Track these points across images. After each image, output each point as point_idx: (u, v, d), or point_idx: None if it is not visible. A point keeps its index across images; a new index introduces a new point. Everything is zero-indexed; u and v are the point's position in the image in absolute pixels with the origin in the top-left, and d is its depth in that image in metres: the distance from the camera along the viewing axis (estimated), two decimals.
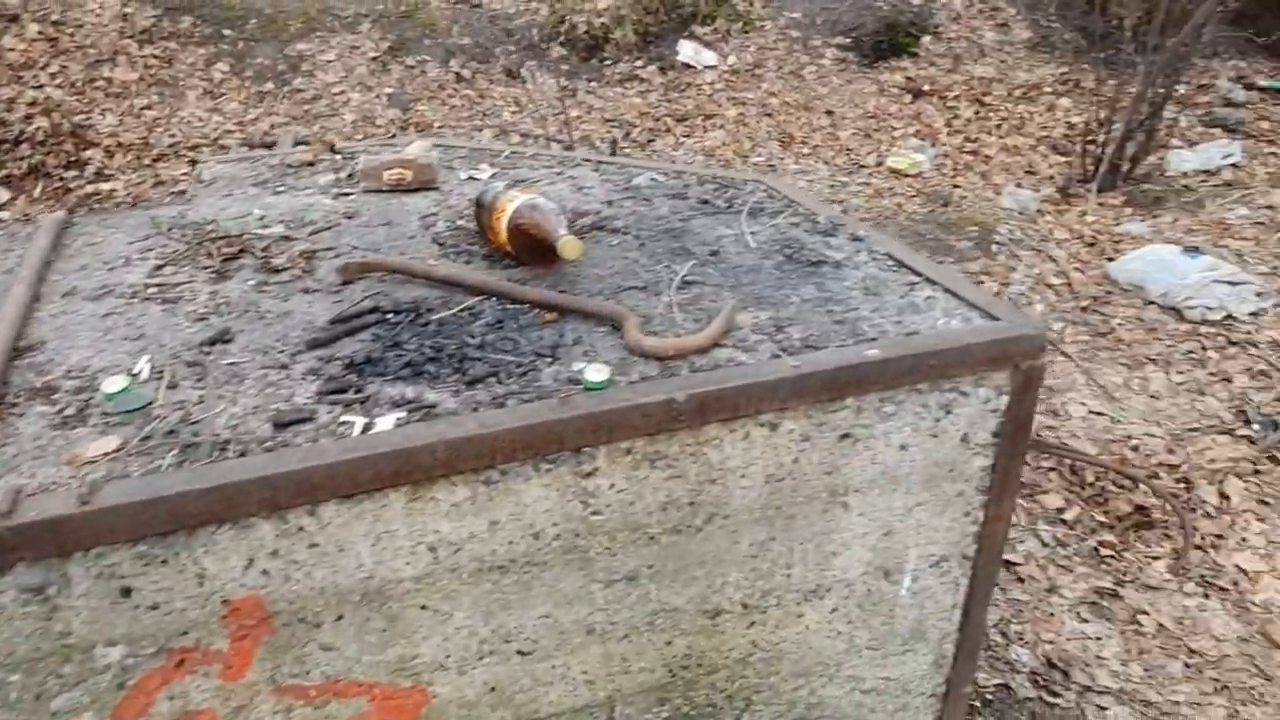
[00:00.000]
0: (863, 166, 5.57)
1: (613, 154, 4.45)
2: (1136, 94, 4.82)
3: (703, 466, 1.34)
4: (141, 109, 5.01)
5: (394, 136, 5.16)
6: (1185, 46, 4.79)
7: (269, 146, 2.63)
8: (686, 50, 6.34)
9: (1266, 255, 4.21)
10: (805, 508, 1.43)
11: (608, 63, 6.15)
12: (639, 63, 6.19)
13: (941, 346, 1.39)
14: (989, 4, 7.12)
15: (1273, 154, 5.56)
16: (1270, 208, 4.71)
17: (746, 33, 6.58)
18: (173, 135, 4.83)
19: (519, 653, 1.39)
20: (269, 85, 5.34)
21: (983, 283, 4.12)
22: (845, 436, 1.40)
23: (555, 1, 6.23)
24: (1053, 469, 2.99)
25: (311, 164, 2.42)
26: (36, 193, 4.40)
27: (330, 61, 5.55)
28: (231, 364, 1.39)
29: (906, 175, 5.43)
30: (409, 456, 1.17)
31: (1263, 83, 6.39)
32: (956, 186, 5.24)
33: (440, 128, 5.31)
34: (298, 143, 2.76)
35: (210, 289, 1.64)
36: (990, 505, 1.56)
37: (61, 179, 4.47)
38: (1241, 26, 6.80)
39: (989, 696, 2.26)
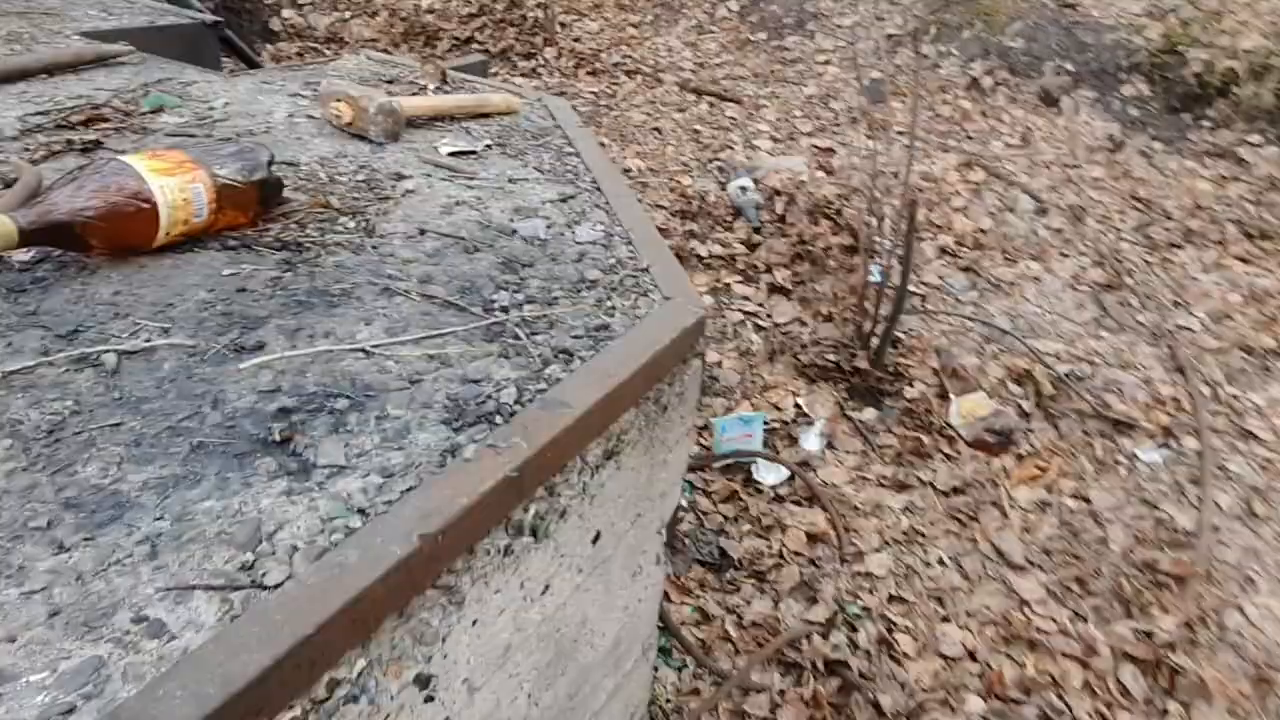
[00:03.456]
0: None
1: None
2: None
3: None
4: (629, 24, 4.90)
5: (839, 125, 4.28)
6: None
7: (444, 79, 2.29)
8: None
9: None
10: None
11: (1204, 124, 4.24)
12: (1253, 137, 4.13)
13: None
14: None
15: None
16: None
17: None
18: (623, 55, 4.63)
19: None
20: (761, 35, 4.81)
21: None
22: None
23: (1182, 24, 4.43)
24: None
25: (424, 88, 2.05)
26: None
27: (841, 27, 4.76)
28: None
29: None
30: None
31: None
32: None
33: (898, 132, 4.23)
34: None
35: None
36: None
37: (515, 66, 4.63)
38: None
39: None
